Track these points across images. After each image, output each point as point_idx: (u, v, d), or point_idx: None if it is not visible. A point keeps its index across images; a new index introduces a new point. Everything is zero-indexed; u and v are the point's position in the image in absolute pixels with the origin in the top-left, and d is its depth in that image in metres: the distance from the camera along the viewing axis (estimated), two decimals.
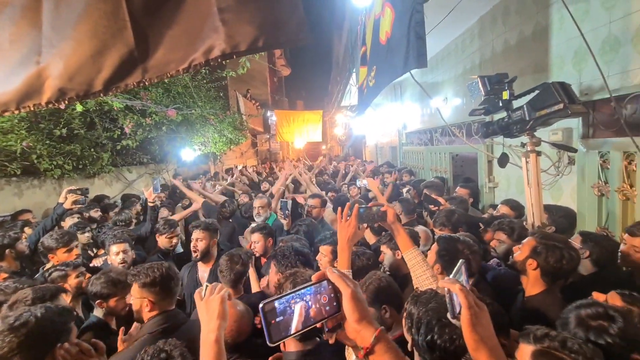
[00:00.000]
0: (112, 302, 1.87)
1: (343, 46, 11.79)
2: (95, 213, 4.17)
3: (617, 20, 2.20)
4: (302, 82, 34.22)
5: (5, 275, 2.32)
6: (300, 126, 19.20)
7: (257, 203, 3.41)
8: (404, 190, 4.96)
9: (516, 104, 2.15)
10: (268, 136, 21.37)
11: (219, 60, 1.17)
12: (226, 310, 1.08)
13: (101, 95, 1.19)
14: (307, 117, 19.73)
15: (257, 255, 2.64)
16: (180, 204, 6.01)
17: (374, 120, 10.12)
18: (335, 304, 0.73)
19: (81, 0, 1.12)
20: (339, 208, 1.48)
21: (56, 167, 4.53)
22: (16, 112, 1.19)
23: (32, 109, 1.20)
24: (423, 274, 1.44)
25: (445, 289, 0.94)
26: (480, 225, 2.69)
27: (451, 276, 0.98)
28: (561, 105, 1.78)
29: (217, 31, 1.15)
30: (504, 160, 2.35)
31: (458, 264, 1.09)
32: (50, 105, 1.20)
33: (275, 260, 1.94)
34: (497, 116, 2.33)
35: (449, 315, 0.93)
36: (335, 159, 20.07)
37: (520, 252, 1.66)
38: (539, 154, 2.10)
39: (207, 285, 1.15)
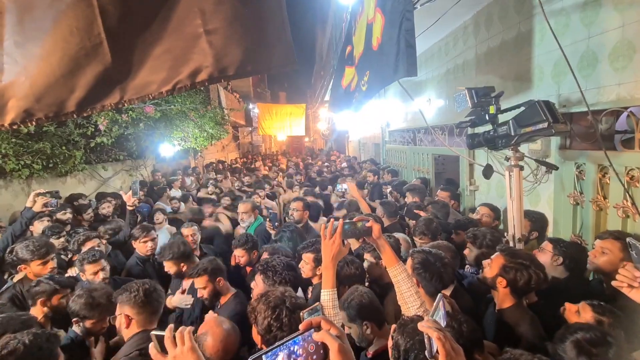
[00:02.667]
0: (88, 323, 1.79)
1: (327, 40, 11.66)
2: (64, 215, 3.95)
3: (595, 37, 2.26)
4: (284, 74, 33.74)
5: None
6: (283, 119, 18.95)
7: (241, 208, 3.35)
8: (387, 191, 5.02)
9: (501, 117, 2.19)
10: (250, 129, 21.03)
11: (206, 83, 1.10)
12: (200, 355, 1.04)
13: (74, 116, 1.11)
14: (290, 111, 19.48)
15: (242, 265, 2.60)
16: (162, 199, 5.86)
17: (357, 117, 10.13)
18: (322, 352, 0.73)
19: (49, 14, 1.02)
20: (322, 226, 1.47)
21: (24, 167, 4.26)
22: None
23: None
24: (408, 291, 1.46)
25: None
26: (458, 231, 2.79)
27: (430, 314, 1.00)
28: (545, 124, 1.84)
29: (204, 54, 1.09)
30: (488, 172, 2.40)
31: (437, 299, 1.10)
32: (14, 127, 1.11)
33: (264, 275, 1.91)
34: (481, 127, 2.36)
35: (427, 354, 0.94)
36: (319, 152, 20.03)
37: (489, 269, 1.73)
38: (521, 168, 2.16)
39: (158, 338, 1.06)
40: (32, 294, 1.99)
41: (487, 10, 3.58)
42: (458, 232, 2.82)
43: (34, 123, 1.12)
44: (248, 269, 2.63)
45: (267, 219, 3.28)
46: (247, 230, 3.29)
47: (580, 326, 1.25)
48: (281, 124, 18.88)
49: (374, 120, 8.87)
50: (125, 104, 1.12)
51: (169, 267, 2.61)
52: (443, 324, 1.08)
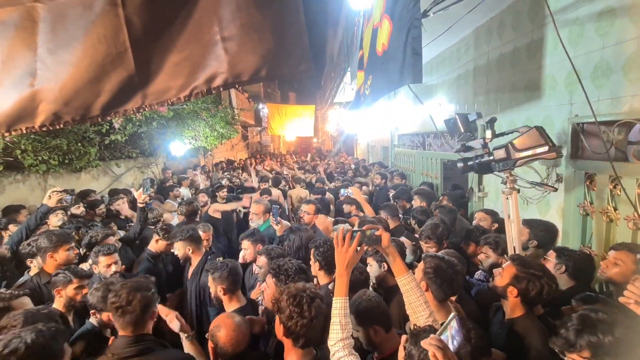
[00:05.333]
0: (104, 316, 1.85)
1: (338, 42, 11.69)
2: (77, 210, 4.07)
3: (609, 47, 2.25)
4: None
5: None
6: (292, 120, 19.04)
7: (254, 208, 3.41)
8: (390, 194, 5.03)
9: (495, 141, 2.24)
10: (259, 129, 21.17)
11: (221, 89, 1.15)
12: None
13: (99, 120, 1.17)
14: (300, 111, 19.57)
15: (248, 261, 2.65)
16: (169, 198, 5.96)
17: (367, 119, 10.15)
18: None
19: (79, 24, 1.08)
20: (335, 233, 1.48)
21: (41, 162, 4.40)
22: (7, 134, 1.16)
23: (24, 131, 1.16)
24: (417, 300, 1.47)
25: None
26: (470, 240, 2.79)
27: (438, 333, 1.00)
28: (546, 148, 1.94)
29: (220, 60, 1.13)
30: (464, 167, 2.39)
31: (449, 318, 1.08)
32: (44, 129, 1.17)
33: (276, 279, 1.95)
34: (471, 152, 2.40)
35: None
36: (327, 153, 20.05)
37: (500, 278, 1.74)
38: (517, 191, 2.21)
39: None
40: (52, 283, 2.07)
41: (500, 18, 3.57)
42: (469, 242, 2.81)
43: (61, 125, 1.18)
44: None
45: (271, 213, 3.31)
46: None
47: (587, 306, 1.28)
48: (290, 125, 18.97)
49: (383, 124, 8.87)
50: (146, 109, 1.17)
51: (178, 248, 2.75)
52: (453, 345, 1.06)
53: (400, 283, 1.50)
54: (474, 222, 3.17)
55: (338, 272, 1.46)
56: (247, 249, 2.72)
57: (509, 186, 2.20)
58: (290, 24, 1.25)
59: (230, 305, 2.09)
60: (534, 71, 3.03)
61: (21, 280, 2.56)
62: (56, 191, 2.97)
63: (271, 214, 3.31)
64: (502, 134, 2.30)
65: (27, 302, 1.87)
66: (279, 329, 1.52)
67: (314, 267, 2.30)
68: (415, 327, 1.26)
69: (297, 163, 11.12)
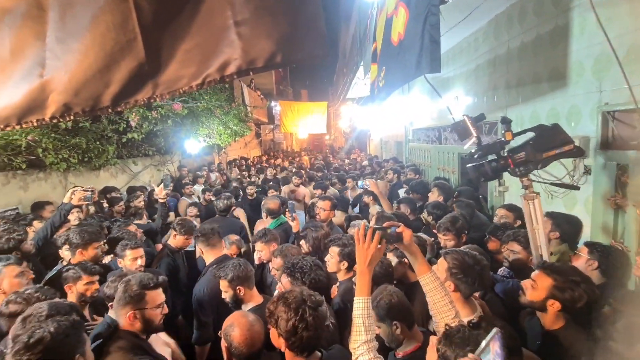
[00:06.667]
0: None
1: (350, 37, 11.56)
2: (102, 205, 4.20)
3: None
4: (306, 72, 33.98)
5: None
6: (304, 117, 19.05)
7: (270, 205, 3.39)
8: (402, 190, 4.92)
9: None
10: (272, 127, 21.25)
11: (235, 76, 1.11)
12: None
13: (109, 111, 1.14)
14: (312, 108, 19.56)
15: (265, 261, 2.62)
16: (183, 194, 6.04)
17: (380, 114, 9.99)
18: None
19: (88, 11, 1.05)
20: (356, 229, 1.42)
21: (62, 161, 4.50)
22: (17, 127, 1.15)
23: (35, 124, 1.16)
24: (441, 300, 1.39)
25: None
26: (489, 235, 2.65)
27: (477, 352, 0.92)
28: (572, 146, 1.80)
29: (233, 46, 1.08)
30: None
31: (490, 335, 0.95)
32: (54, 121, 1.16)
33: (292, 278, 1.91)
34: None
35: None
36: (340, 150, 19.94)
37: (535, 292, 1.59)
38: (538, 194, 2.02)
39: None
40: (63, 279, 2.10)
41: (520, 4, 3.41)
42: (491, 238, 2.65)
43: (72, 117, 1.16)
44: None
45: (286, 209, 3.29)
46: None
47: None
48: (303, 122, 18.99)
49: (397, 119, 8.72)
50: (157, 99, 1.14)
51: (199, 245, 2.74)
52: None
53: (422, 282, 1.43)
54: (495, 219, 3.02)
55: (359, 270, 1.38)
56: (261, 251, 2.69)
57: (528, 191, 2.00)
58: (305, 6, 1.19)
59: (249, 305, 2.06)
60: (559, 59, 2.87)
61: (55, 269, 2.63)
62: (78, 189, 3.06)
63: (287, 209, 3.29)
64: (519, 134, 2.06)
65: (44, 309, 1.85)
66: (278, 342, 1.44)
67: (332, 263, 2.25)
68: (448, 327, 1.18)
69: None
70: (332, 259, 2.27)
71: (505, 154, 1.95)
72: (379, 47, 3.65)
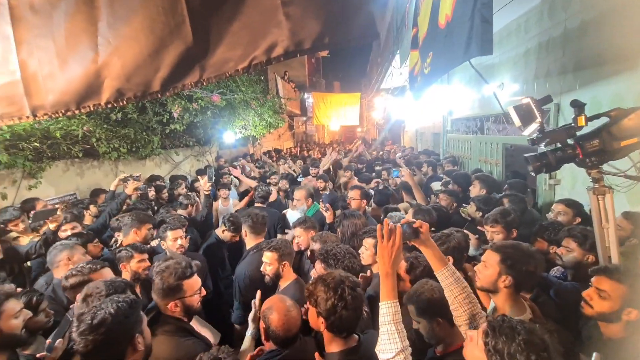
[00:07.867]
0: None
1: (386, 25, 11.19)
2: (149, 193, 4.52)
3: None
4: (339, 63, 33.67)
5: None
6: (337, 108, 18.88)
7: (296, 194, 3.40)
8: (436, 184, 4.70)
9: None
10: (305, 119, 21.35)
11: (281, 59, 1.09)
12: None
13: (158, 96, 1.18)
14: (345, 100, 19.32)
15: (303, 249, 2.64)
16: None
17: (416, 105, 9.62)
18: None
19: None
20: (379, 226, 1.34)
21: (113, 150, 4.84)
22: (76, 112, 1.21)
23: (92, 109, 1.22)
24: (460, 295, 1.35)
25: None
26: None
27: None
28: None
29: (280, 27, 1.06)
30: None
31: None
32: (109, 106, 1.21)
33: (326, 264, 1.91)
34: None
35: None
36: (372, 142, 19.60)
37: (603, 302, 1.46)
38: (611, 188, 1.78)
39: None
40: (117, 259, 2.25)
41: None
42: (537, 239, 2.44)
43: (124, 102, 1.21)
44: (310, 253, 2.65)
45: (320, 200, 3.28)
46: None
47: None
48: (335, 113, 18.84)
49: (434, 109, 8.36)
50: (204, 83, 1.16)
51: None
52: None
53: (440, 278, 1.38)
54: (551, 216, 2.77)
55: (384, 272, 1.29)
56: (300, 236, 2.70)
57: (598, 185, 1.76)
58: None
59: (286, 282, 2.15)
60: (627, 36, 2.56)
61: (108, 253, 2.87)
62: (124, 178, 3.30)
63: (321, 200, 3.29)
64: (592, 118, 1.75)
65: (106, 274, 1.97)
66: (316, 322, 1.45)
67: (367, 255, 2.21)
68: (490, 318, 1.11)
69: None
70: (367, 251, 2.23)
71: (572, 141, 1.73)
72: (423, 32, 3.48)
